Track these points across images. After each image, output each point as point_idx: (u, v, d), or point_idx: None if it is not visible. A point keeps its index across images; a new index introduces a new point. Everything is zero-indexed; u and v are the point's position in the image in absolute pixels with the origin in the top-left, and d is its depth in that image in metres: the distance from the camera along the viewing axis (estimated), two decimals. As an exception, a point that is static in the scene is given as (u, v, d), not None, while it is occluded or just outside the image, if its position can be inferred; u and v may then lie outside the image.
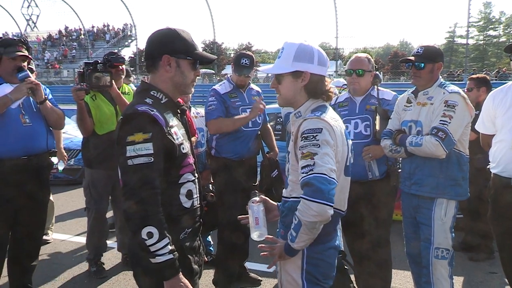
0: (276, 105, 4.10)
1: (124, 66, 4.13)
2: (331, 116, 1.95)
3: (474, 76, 4.79)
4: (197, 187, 1.93)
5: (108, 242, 4.24)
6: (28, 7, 50.18)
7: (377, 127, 3.07)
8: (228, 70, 28.59)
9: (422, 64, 2.85)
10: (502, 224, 2.92)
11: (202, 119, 3.98)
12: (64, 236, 5.16)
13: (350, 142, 2.04)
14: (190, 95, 2.92)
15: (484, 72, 24.79)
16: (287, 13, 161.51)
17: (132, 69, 38.87)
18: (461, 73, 30.96)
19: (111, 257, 4.43)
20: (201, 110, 4.26)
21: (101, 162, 3.82)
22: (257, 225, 2.04)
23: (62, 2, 41.90)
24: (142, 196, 1.66)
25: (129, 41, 46.92)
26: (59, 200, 6.28)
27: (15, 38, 3.49)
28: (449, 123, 2.70)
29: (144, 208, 1.66)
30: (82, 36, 47.83)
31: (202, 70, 24.91)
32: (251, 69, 3.62)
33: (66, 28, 50.67)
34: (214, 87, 3.74)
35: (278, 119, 5.62)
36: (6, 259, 3.31)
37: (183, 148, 1.83)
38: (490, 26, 57.00)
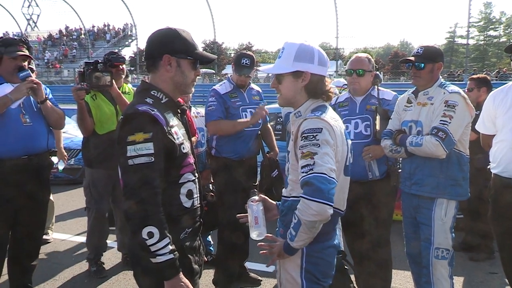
0: (276, 105, 4.10)
1: (124, 66, 4.13)
2: (331, 116, 1.96)
3: (474, 76, 4.78)
4: (197, 187, 1.93)
5: (108, 241, 4.24)
6: (28, 6, 50.36)
7: (377, 127, 3.07)
8: (229, 70, 28.60)
9: (422, 64, 2.85)
10: (502, 224, 2.92)
11: (202, 119, 3.97)
12: (64, 235, 5.16)
13: (350, 142, 2.05)
14: (190, 94, 2.92)
15: (484, 72, 24.82)
16: (287, 13, 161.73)
17: (132, 68, 38.98)
18: (462, 73, 30.98)
19: (111, 257, 4.43)
20: (201, 110, 4.26)
21: (101, 161, 3.82)
22: (257, 224, 2.04)
23: (62, 2, 42.02)
24: (142, 196, 1.66)
25: (130, 40, 46.99)
26: (59, 200, 6.28)
27: (15, 37, 3.49)
28: (449, 123, 2.70)
29: (145, 208, 1.66)
30: (83, 36, 47.92)
31: (203, 70, 24.92)
32: (251, 69, 3.62)
33: (67, 27, 50.75)
34: (214, 87, 3.74)
35: (278, 119, 5.62)
36: (6, 259, 3.31)
37: (183, 148, 1.83)
38: (490, 26, 56.88)
